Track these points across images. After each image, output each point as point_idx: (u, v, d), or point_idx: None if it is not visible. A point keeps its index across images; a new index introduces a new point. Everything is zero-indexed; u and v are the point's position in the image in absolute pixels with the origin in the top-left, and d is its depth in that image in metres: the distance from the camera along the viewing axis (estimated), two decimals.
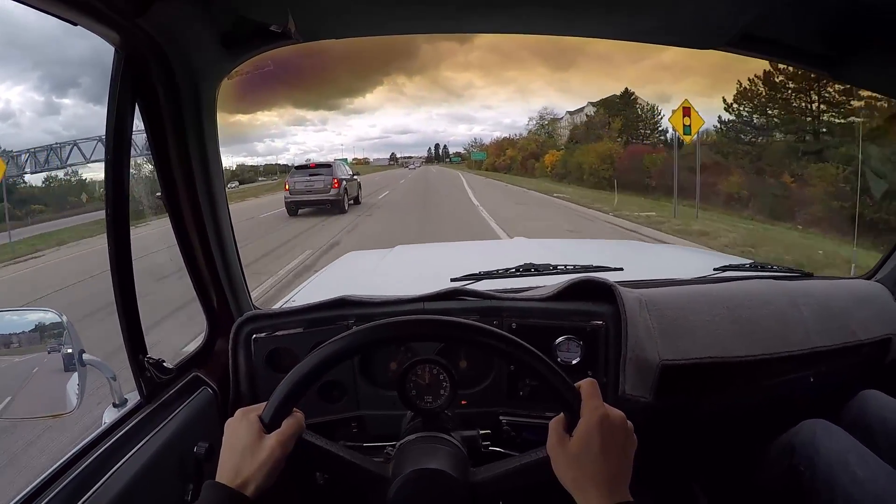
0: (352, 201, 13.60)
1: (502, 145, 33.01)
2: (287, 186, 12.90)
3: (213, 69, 0.99)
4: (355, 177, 15.18)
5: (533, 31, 1.11)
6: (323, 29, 1.04)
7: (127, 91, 0.83)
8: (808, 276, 1.41)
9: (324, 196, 12.59)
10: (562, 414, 0.70)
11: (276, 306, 1.36)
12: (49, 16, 0.70)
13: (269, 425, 0.69)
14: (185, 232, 1.03)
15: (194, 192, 1.00)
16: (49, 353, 0.88)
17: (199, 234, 1.04)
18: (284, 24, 0.93)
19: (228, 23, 0.93)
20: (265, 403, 0.71)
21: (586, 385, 0.69)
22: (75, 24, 0.73)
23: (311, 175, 12.79)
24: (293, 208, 12.80)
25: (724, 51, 1.15)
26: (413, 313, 1.12)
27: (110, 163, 0.82)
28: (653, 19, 1.05)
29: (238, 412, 0.71)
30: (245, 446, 0.67)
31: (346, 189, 13.09)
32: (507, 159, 30.83)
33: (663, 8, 1.00)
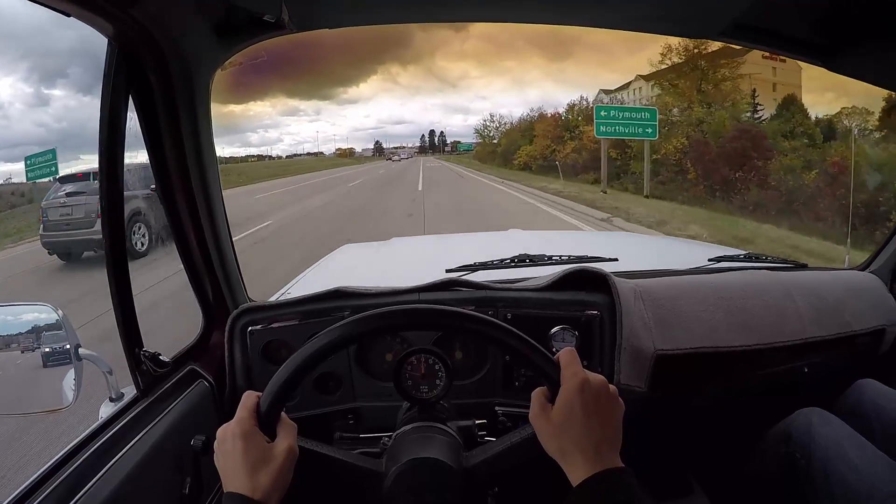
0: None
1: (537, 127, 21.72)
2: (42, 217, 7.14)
3: (206, 60, 0.98)
4: None
5: (527, 20, 1.11)
6: (316, 18, 1.03)
7: (121, 83, 0.83)
8: (803, 266, 1.42)
9: (85, 234, 6.56)
10: (544, 387, 0.69)
11: (272, 298, 1.36)
12: (40, 6, 0.69)
13: (267, 417, 0.68)
14: (179, 224, 1.03)
15: (189, 184, 1.00)
16: (44, 347, 0.88)
17: (194, 226, 1.03)
18: (278, 14, 0.92)
19: (222, 13, 0.92)
20: (248, 410, 0.68)
21: (564, 354, 0.69)
22: (69, 16, 0.72)
23: (67, 196, 7.04)
24: (61, 250, 7.06)
25: (719, 40, 1.15)
26: (408, 304, 1.12)
27: (104, 155, 0.81)
28: (646, 7, 1.05)
29: (231, 428, 0.67)
30: (257, 460, 0.65)
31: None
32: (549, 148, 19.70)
33: None
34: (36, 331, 0.88)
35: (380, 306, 0.96)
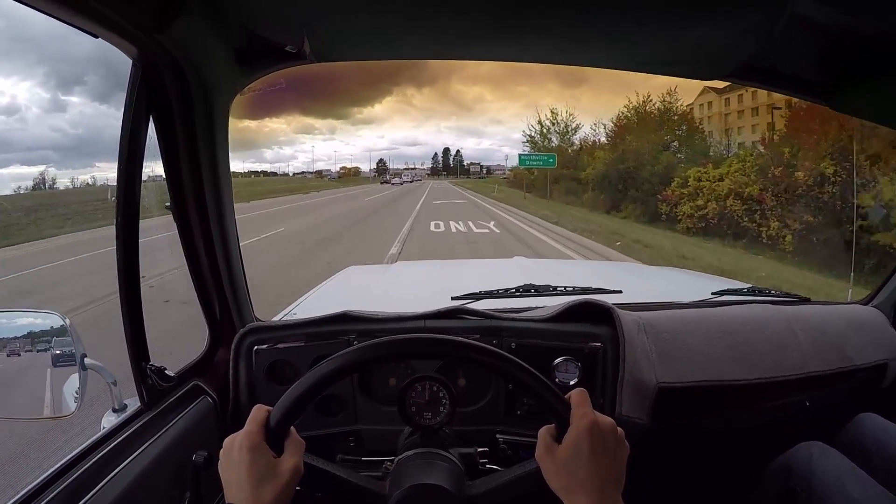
0: None
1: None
2: None
3: (227, 85, 1.01)
4: None
5: (537, 60, 1.15)
6: (336, 51, 1.07)
7: (142, 102, 0.86)
8: (806, 300, 1.42)
9: None
10: (552, 424, 0.70)
11: (277, 318, 1.37)
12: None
13: (276, 432, 0.69)
14: (191, 241, 1.05)
15: (203, 204, 1.02)
16: (51, 355, 0.90)
17: (206, 244, 1.05)
18: (299, 46, 0.96)
19: (244, 42, 0.96)
20: (258, 423, 0.69)
21: (576, 394, 0.70)
22: (96, 37, 0.76)
23: None
24: None
25: (725, 80, 1.18)
26: (414, 331, 1.13)
27: (123, 172, 0.84)
28: (654, 52, 1.08)
29: (239, 440, 0.68)
30: (263, 475, 0.65)
31: None
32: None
33: (665, 41, 1.03)
34: (44, 337, 0.90)
35: (386, 331, 0.97)
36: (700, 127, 17.66)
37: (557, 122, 24.00)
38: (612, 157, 18.81)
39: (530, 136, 25.08)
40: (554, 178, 22.35)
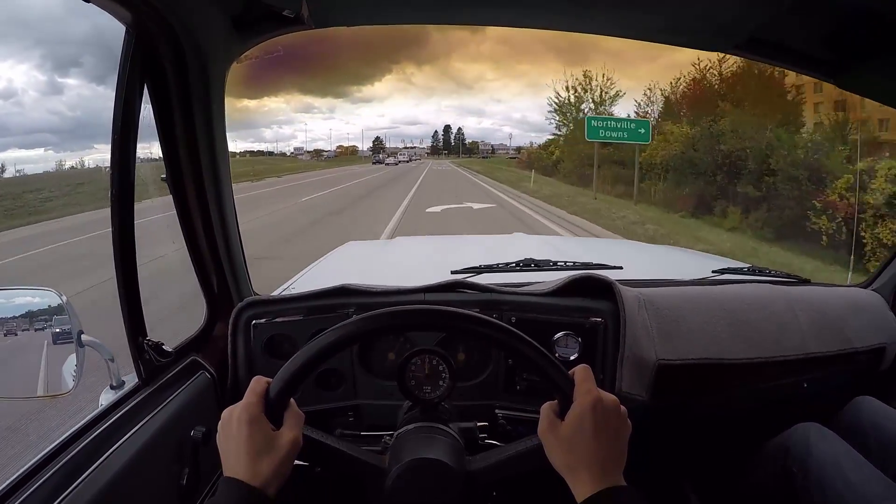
0: None
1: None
2: None
3: (223, 52, 0.98)
4: None
5: (544, 25, 1.12)
6: (335, 15, 1.03)
7: (136, 71, 0.83)
8: (806, 282, 1.42)
9: None
10: (554, 400, 0.70)
11: (276, 292, 1.36)
12: None
13: (275, 404, 0.68)
14: (189, 215, 1.03)
15: (200, 175, 1.00)
16: (47, 332, 0.88)
17: (203, 217, 1.04)
18: (297, 10, 0.92)
19: (241, 6, 0.92)
20: (257, 395, 0.68)
21: (580, 370, 0.70)
22: (88, 1, 0.72)
23: None
24: None
25: (732, 54, 1.16)
26: (413, 304, 1.12)
27: (117, 143, 0.81)
28: (662, 18, 1.06)
29: (238, 412, 0.67)
30: (261, 447, 0.65)
31: None
32: None
33: (672, 9, 1.01)
34: (41, 314, 0.88)
35: (385, 305, 0.96)
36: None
37: (592, 88, 17.40)
38: (698, 133, 12.41)
39: (558, 104, 18.00)
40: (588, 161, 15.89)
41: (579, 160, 16.79)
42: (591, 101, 17.56)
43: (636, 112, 15.96)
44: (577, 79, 17.73)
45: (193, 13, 0.86)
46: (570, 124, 18.03)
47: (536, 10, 1.05)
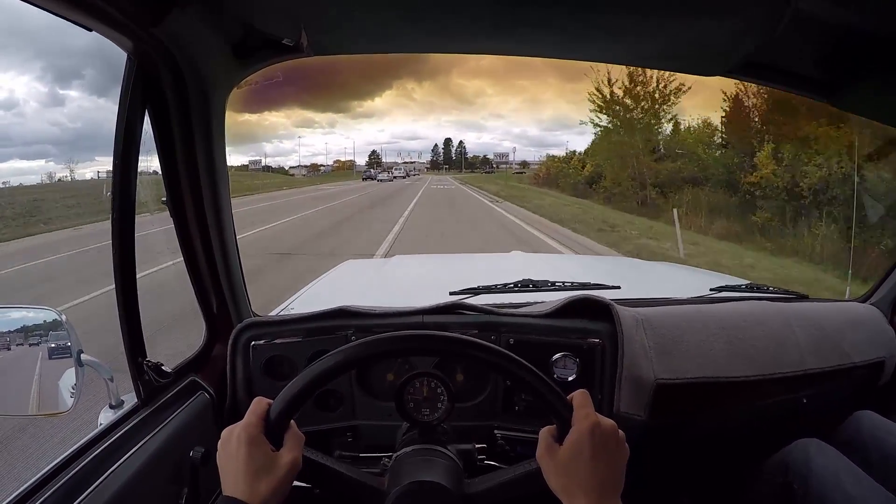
0: None
1: None
2: None
3: (223, 79, 1.00)
4: None
5: (539, 54, 1.13)
6: (334, 44, 1.05)
7: (137, 96, 0.85)
8: (804, 297, 1.42)
9: None
10: (553, 424, 0.70)
11: (274, 312, 1.37)
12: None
13: (275, 425, 0.68)
14: (188, 236, 1.04)
15: (200, 198, 1.01)
16: (47, 351, 0.89)
17: (203, 239, 1.05)
18: (297, 39, 0.95)
19: (241, 35, 0.95)
20: (257, 416, 0.69)
21: (578, 395, 0.70)
22: (90, 30, 0.75)
23: None
24: None
25: (726, 76, 1.17)
26: (412, 326, 1.13)
27: (118, 167, 0.83)
28: (656, 45, 1.07)
29: (238, 432, 0.67)
30: (260, 467, 0.65)
31: None
32: None
33: (666, 36, 1.02)
34: (39, 332, 0.89)
35: (384, 327, 0.97)
36: None
37: (646, 81, 13.96)
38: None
39: (603, 102, 14.27)
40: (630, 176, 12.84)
41: (629, 177, 13.54)
42: (647, 96, 14.12)
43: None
44: (625, 71, 14.12)
45: (194, 42, 0.88)
46: (620, 130, 14.20)
47: (531, 40, 1.07)
